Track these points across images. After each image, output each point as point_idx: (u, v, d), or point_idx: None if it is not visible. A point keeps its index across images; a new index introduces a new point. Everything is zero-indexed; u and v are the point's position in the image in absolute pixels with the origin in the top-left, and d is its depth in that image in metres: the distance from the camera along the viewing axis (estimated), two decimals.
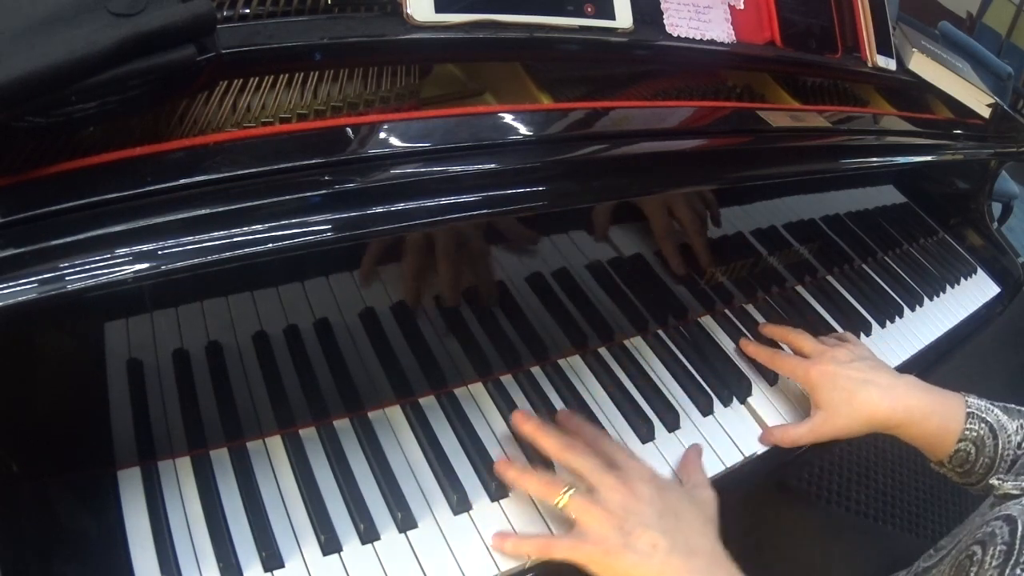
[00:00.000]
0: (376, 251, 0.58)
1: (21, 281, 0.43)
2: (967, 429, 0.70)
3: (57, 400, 0.53)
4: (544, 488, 0.60)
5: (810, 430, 0.73)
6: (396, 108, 0.66)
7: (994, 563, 0.51)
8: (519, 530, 0.61)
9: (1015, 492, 0.58)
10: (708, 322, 0.87)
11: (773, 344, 0.84)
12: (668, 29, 0.76)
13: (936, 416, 0.71)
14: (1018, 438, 0.70)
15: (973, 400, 0.72)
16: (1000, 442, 0.70)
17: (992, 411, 0.71)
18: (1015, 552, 0.50)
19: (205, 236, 0.47)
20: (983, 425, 0.70)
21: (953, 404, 0.72)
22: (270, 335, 0.59)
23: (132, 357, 0.53)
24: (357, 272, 0.59)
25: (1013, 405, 0.73)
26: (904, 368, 0.94)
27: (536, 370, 0.74)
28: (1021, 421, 0.71)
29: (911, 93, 1.10)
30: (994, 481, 0.61)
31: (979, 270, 1.25)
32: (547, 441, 0.62)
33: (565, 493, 0.58)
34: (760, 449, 0.75)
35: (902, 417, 0.71)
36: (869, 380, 0.73)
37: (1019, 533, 0.52)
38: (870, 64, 0.97)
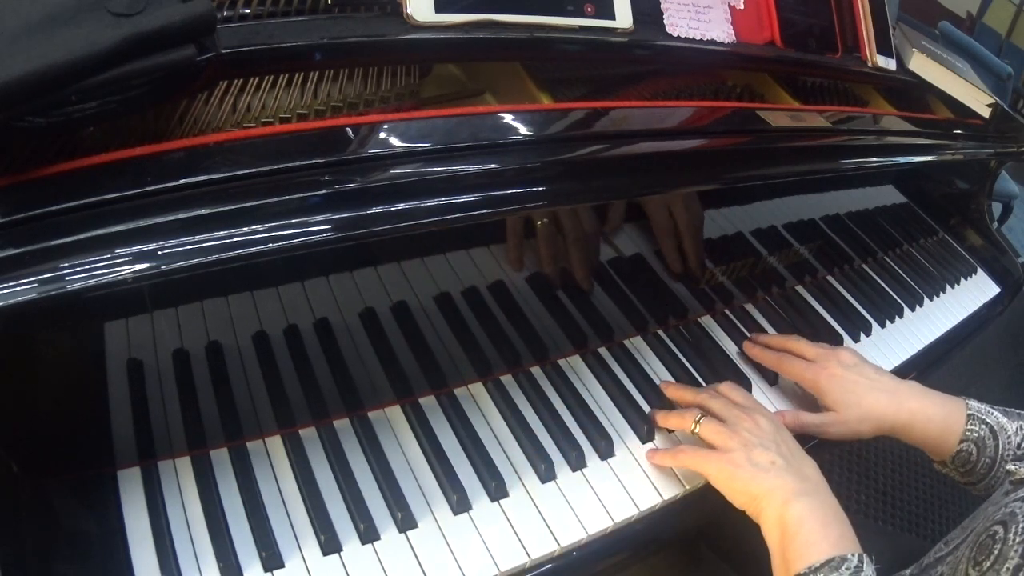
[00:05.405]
0: (381, 249, 0.58)
1: (21, 281, 0.43)
2: (968, 430, 0.72)
3: (57, 400, 0.53)
4: (680, 419, 0.70)
5: (819, 423, 0.75)
6: (396, 108, 0.66)
7: (1018, 539, 0.52)
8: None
9: None
10: (708, 322, 0.87)
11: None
12: (668, 29, 0.76)
13: (938, 418, 0.73)
14: (1018, 439, 0.72)
15: (973, 403, 0.74)
16: (1000, 442, 0.72)
17: (992, 413, 0.73)
18: None
19: (205, 236, 0.47)
20: (983, 426, 0.72)
21: (954, 407, 0.73)
22: (270, 335, 0.59)
23: (132, 357, 0.53)
24: (357, 272, 0.59)
25: (1012, 409, 0.74)
26: (905, 367, 0.95)
27: (536, 370, 0.74)
28: (1020, 423, 0.73)
29: (911, 93, 1.10)
30: (1011, 467, 0.64)
31: (979, 270, 1.25)
32: (688, 394, 0.73)
33: (697, 421, 0.68)
34: None
35: (906, 419, 0.73)
36: (875, 384, 0.75)
37: None
38: (870, 64, 0.97)
